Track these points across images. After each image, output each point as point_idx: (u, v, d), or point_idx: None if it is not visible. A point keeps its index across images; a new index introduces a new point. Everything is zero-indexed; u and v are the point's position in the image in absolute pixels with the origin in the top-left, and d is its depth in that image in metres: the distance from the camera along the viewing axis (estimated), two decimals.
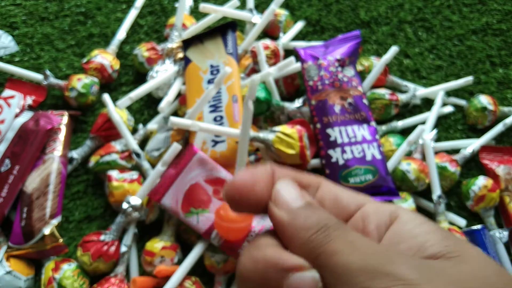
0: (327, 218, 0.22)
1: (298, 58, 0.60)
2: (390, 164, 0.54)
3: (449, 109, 0.62)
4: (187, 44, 0.60)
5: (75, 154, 0.57)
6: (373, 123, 0.55)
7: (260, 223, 0.48)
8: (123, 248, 0.51)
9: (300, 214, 0.22)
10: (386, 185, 0.52)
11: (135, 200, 0.50)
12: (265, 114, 0.58)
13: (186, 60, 0.59)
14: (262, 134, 0.52)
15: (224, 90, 0.55)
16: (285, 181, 0.24)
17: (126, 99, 0.55)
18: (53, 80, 0.60)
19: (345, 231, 0.21)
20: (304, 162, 0.53)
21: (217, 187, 0.50)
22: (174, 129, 0.56)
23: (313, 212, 0.22)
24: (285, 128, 0.52)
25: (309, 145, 0.53)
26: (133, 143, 0.55)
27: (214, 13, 0.62)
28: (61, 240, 0.51)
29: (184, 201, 0.49)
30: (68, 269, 0.49)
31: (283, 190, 0.23)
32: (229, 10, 0.63)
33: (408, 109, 0.63)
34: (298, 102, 0.58)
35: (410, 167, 0.54)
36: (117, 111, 0.56)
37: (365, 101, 0.56)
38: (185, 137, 0.56)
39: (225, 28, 0.59)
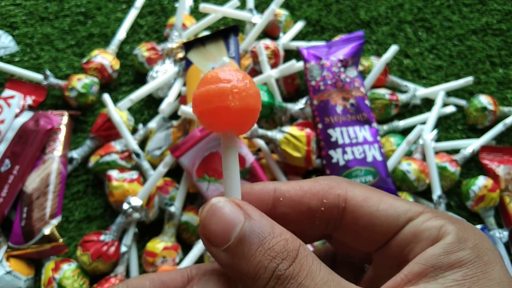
0: (280, 254, 0.18)
1: (301, 57, 0.60)
2: (390, 164, 0.54)
3: (451, 109, 0.62)
4: (188, 46, 0.60)
5: (75, 154, 0.57)
6: (374, 124, 0.55)
7: None
8: (123, 248, 0.51)
9: (241, 254, 0.18)
10: (386, 186, 0.52)
11: (136, 201, 0.50)
12: (267, 117, 0.58)
13: (188, 62, 0.59)
14: (271, 133, 0.52)
15: None
16: (216, 202, 0.19)
17: (127, 101, 0.55)
18: (53, 80, 0.60)
19: (305, 276, 0.18)
20: (308, 166, 0.53)
21: None
22: (175, 126, 0.56)
23: (257, 248, 0.18)
24: (294, 130, 0.52)
25: (316, 149, 0.53)
26: (133, 143, 0.55)
27: (214, 13, 0.62)
28: (61, 240, 0.51)
29: (200, 166, 0.50)
30: (68, 269, 0.49)
31: (213, 218, 0.19)
32: (229, 10, 0.63)
33: (408, 109, 0.63)
34: (301, 103, 0.58)
35: (410, 167, 0.54)
36: (117, 111, 0.56)
37: (367, 102, 0.56)
38: (186, 133, 0.56)
39: (228, 32, 0.59)
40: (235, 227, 0.19)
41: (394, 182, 0.54)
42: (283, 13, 0.66)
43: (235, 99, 0.20)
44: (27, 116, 0.58)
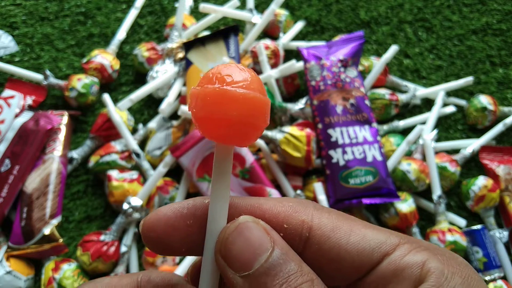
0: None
1: (301, 57, 0.60)
2: (390, 164, 0.54)
3: (451, 109, 0.62)
4: (188, 46, 0.60)
5: (75, 154, 0.57)
6: (374, 124, 0.55)
7: None
8: (123, 248, 0.51)
9: (263, 285, 0.16)
10: (386, 186, 0.52)
11: (136, 201, 0.50)
12: None
13: (188, 62, 0.59)
14: (270, 133, 0.52)
15: None
16: (246, 221, 0.18)
17: (127, 101, 0.55)
18: (53, 80, 0.60)
19: None
20: (308, 166, 0.53)
21: (235, 162, 0.51)
22: (175, 126, 0.56)
23: (282, 284, 0.16)
24: (294, 130, 0.52)
25: (315, 149, 0.53)
26: (133, 143, 0.55)
27: (214, 13, 0.62)
28: (61, 240, 0.51)
29: (200, 166, 0.51)
30: (68, 269, 0.49)
31: (239, 239, 0.17)
32: (229, 10, 0.63)
33: (408, 109, 0.63)
34: (301, 103, 0.58)
35: (410, 167, 0.54)
36: (117, 111, 0.56)
37: (367, 102, 0.56)
38: (186, 133, 0.56)
39: (228, 32, 0.59)
40: (261, 255, 0.17)
41: (394, 182, 0.54)
42: (283, 13, 0.66)
43: (242, 111, 0.17)
44: (27, 116, 0.58)
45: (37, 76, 0.61)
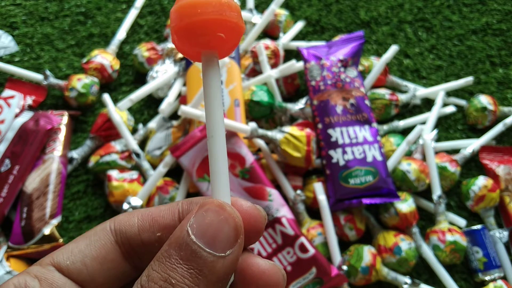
0: None
1: (301, 57, 0.60)
2: (390, 164, 0.54)
3: (451, 109, 0.62)
4: None
5: (75, 154, 0.57)
6: (374, 124, 0.55)
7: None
8: None
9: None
10: (386, 187, 0.52)
11: (136, 201, 0.50)
12: (267, 117, 0.58)
13: (188, 62, 0.59)
14: (271, 133, 0.52)
15: (226, 93, 0.55)
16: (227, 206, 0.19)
17: (127, 101, 0.55)
18: (53, 80, 0.60)
19: None
20: (308, 166, 0.53)
21: (235, 162, 0.51)
22: (175, 126, 0.56)
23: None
24: (294, 130, 0.52)
25: (316, 149, 0.53)
26: (133, 143, 0.55)
27: None
28: (61, 240, 0.51)
29: (200, 166, 0.50)
30: None
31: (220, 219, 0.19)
32: None
33: (408, 109, 0.63)
34: (301, 103, 0.58)
35: (410, 167, 0.54)
36: (117, 111, 0.56)
37: (367, 102, 0.56)
38: (186, 133, 0.56)
39: None
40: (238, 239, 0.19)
41: (394, 182, 0.54)
42: (283, 13, 0.66)
43: (226, 12, 0.19)
44: (27, 116, 0.58)
45: (37, 76, 0.61)
